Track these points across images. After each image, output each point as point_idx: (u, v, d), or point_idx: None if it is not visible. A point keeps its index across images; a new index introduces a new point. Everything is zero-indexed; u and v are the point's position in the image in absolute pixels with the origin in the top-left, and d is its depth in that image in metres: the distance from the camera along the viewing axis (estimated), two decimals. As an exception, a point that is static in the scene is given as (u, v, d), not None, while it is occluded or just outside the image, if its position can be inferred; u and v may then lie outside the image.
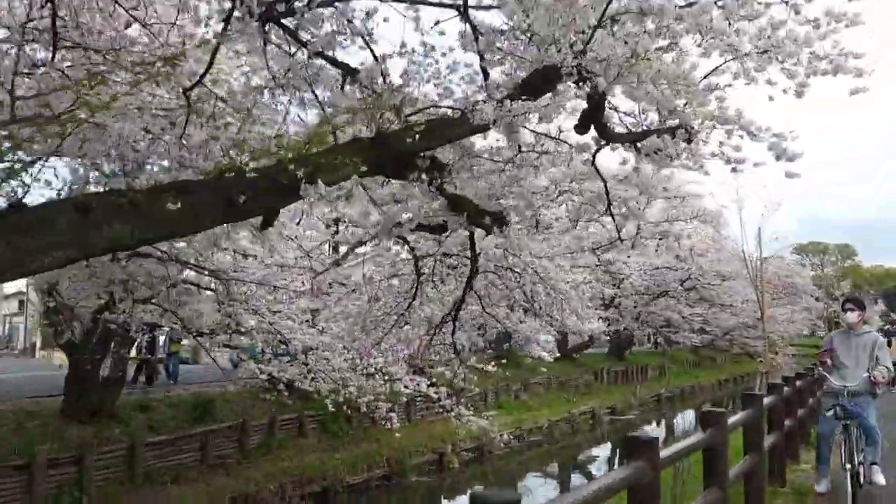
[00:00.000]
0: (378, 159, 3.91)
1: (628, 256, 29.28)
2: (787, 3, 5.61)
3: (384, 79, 4.11)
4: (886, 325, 28.13)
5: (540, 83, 3.89)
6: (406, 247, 6.36)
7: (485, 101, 3.72)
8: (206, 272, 9.84)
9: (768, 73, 4.86)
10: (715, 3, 5.37)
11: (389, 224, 4.76)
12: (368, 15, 5.64)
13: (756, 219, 22.94)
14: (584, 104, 5.23)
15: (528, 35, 3.70)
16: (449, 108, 4.03)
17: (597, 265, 26.47)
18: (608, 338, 34.44)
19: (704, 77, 5.21)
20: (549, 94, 3.78)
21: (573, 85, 3.80)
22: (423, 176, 4.13)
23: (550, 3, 3.28)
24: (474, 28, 4.39)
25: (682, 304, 33.24)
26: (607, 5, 3.54)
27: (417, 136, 3.76)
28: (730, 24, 5.25)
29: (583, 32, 3.53)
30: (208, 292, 10.99)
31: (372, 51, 5.77)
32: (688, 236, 29.52)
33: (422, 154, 4.07)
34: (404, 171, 4.12)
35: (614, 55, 3.48)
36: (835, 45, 5.23)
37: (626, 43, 3.54)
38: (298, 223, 10.75)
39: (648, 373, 37.42)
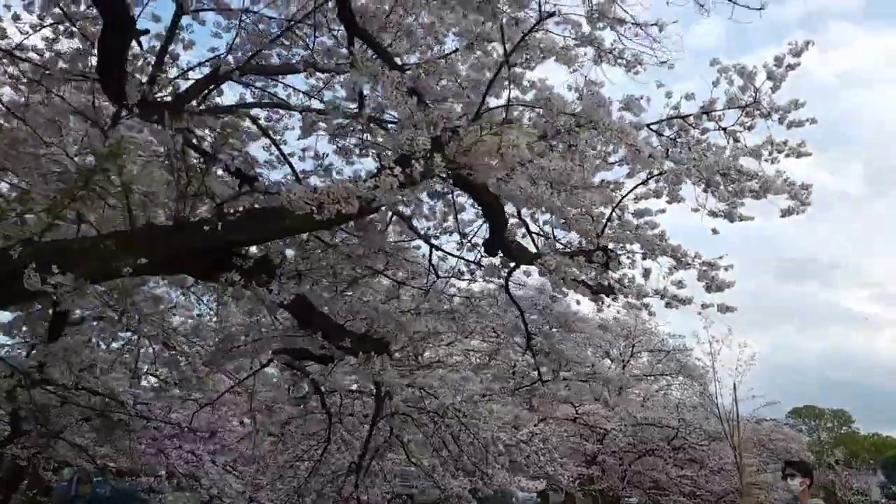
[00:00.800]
0: (178, 253, 3.20)
1: (612, 410, 28.00)
2: (724, 129, 5.25)
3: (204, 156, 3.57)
4: (883, 499, 26.23)
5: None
6: (307, 379, 5.55)
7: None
8: (120, 404, 8.88)
9: (695, 192, 4.38)
10: (647, 126, 5.00)
11: (223, 347, 3.98)
12: (303, 137, 5.30)
13: (745, 372, 21.87)
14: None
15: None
16: (264, 192, 3.40)
17: (576, 417, 25.20)
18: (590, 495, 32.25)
19: (631, 191, 4.75)
20: (371, 180, 3.21)
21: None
22: (236, 278, 3.37)
23: (398, 78, 2.81)
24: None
25: (669, 465, 31.34)
26: (484, 97, 3.07)
27: (222, 226, 3.06)
28: (669, 152, 4.86)
29: (454, 129, 3.03)
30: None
31: (290, 164, 5.36)
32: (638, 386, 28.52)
33: (241, 251, 3.38)
34: (214, 271, 3.38)
35: (481, 146, 2.97)
36: (779, 174, 4.82)
37: (493, 134, 3.03)
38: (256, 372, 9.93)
39: (637, 539, 34.75)
